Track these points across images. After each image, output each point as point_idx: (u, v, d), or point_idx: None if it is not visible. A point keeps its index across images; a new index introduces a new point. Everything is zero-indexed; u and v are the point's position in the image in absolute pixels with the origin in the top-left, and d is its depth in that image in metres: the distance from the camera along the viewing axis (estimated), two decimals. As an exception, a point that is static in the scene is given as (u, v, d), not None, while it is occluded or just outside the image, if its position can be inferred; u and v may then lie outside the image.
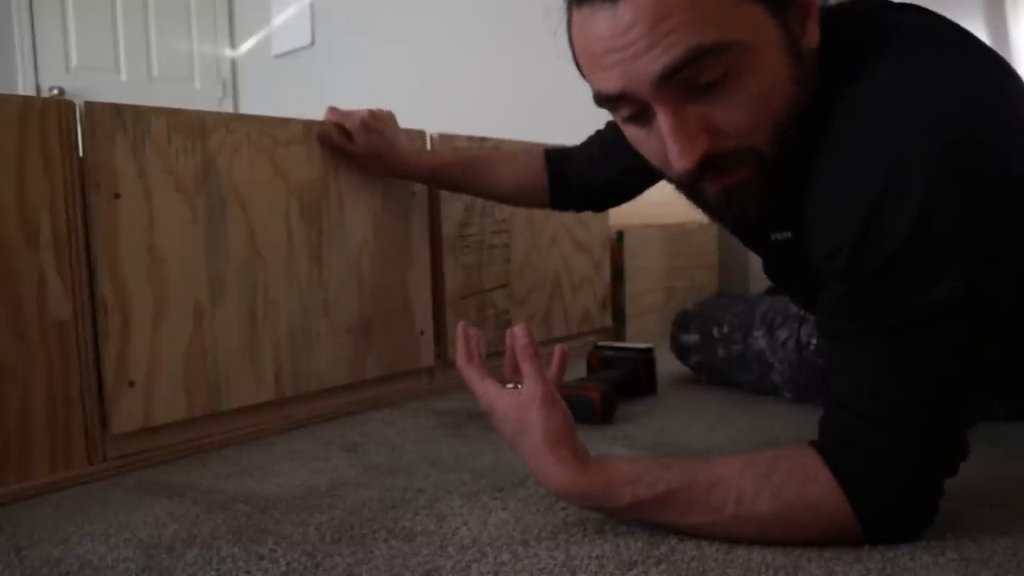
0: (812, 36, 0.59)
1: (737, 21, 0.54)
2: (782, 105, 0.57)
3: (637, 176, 0.98)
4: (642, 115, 0.59)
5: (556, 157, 1.06)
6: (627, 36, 0.54)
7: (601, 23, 0.55)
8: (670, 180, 0.66)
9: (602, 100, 0.60)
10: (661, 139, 0.58)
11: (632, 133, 0.63)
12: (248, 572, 0.59)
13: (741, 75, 0.55)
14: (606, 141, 1.00)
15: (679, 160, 0.57)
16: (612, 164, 0.99)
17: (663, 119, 0.56)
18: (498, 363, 1.34)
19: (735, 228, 0.81)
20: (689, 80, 0.55)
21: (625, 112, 0.60)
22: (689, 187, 0.63)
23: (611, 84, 0.57)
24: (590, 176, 1.03)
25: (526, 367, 0.66)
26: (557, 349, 0.73)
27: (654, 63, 0.54)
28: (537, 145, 1.37)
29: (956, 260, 0.52)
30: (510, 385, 0.69)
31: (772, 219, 0.71)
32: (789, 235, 0.70)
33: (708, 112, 0.56)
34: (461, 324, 0.73)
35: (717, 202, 0.62)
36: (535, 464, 0.64)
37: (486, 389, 0.68)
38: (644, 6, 0.53)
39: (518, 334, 0.68)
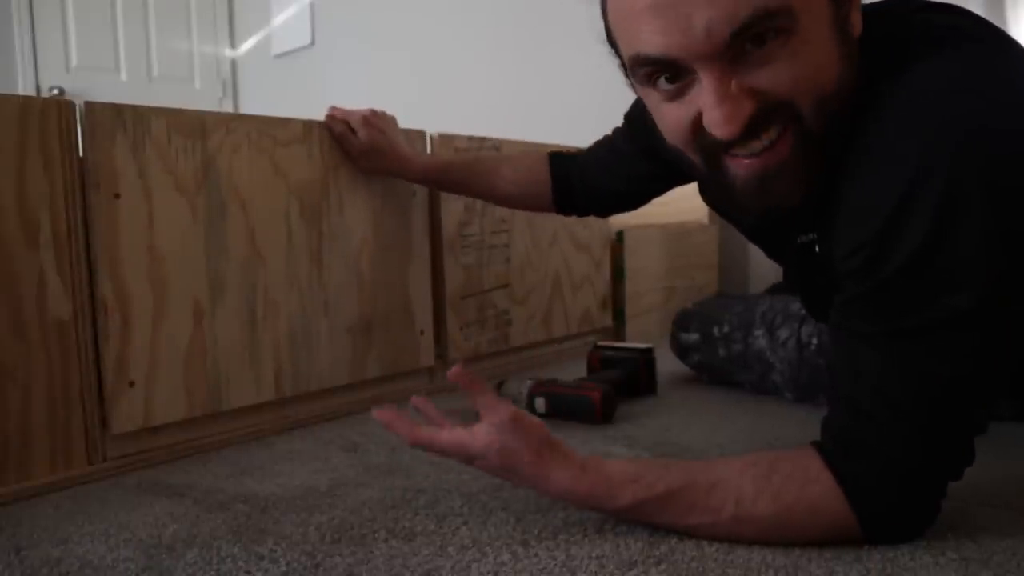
0: (857, 24, 0.58)
1: None
2: (827, 77, 0.55)
3: (645, 184, 0.98)
4: (678, 84, 0.56)
5: (561, 159, 1.05)
6: None
7: None
8: (690, 163, 0.62)
9: (640, 63, 0.56)
10: (693, 108, 0.56)
11: (661, 108, 0.60)
12: (248, 572, 0.59)
13: (790, 42, 0.53)
14: (616, 146, 0.99)
15: (726, 126, 0.54)
16: (621, 169, 0.98)
17: (708, 85, 0.54)
18: (499, 362, 1.35)
19: (759, 224, 0.80)
20: (743, 44, 0.52)
21: (660, 80, 0.57)
22: (714, 162, 0.59)
23: (656, 44, 0.54)
24: (596, 179, 1.01)
25: (480, 401, 0.64)
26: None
27: (713, 25, 0.51)
28: (538, 145, 1.38)
29: (977, 264, 0.51)
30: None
31: (799, 221, 0.70)
32: (814, 236, 0.69)
33: (752, 77, 0.54)
34: (376, 412, 0.68)
35: (749, 186, 0.58)
36: (535, 477, 0.63)
37: (451, 438, 0.64)
38: None
39: (456, 375, 0.65)
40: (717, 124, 0.54)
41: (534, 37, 2.17)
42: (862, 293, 0.56)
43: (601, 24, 0.61)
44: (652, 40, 0.54)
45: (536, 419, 0.65)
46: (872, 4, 0.62)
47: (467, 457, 0.64)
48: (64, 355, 0.79)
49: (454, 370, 0.65)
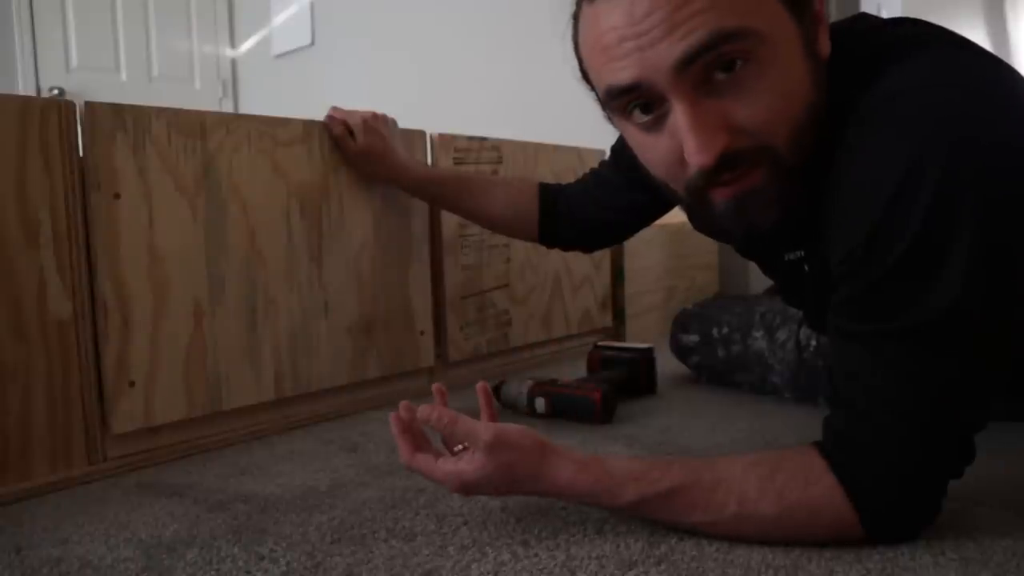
0: (824, 46, 0.59)
1: (759, 11, 0.53)
2: (800, 105, 0.57)
3: (631, 214, 0.99)
4: (653, 115, 0.57)
5: (550, 189, 1.05)
6: (645, 23, 0.53)
7: (616, 13, 0.54)
8: (674, 194, 0.63)
9: (613, 95, 0.57)
10: (673, 140, 0.57)
11: (639, 140, 0.61)
12: (248, 572, 0.59)
13: (760, 68, 0.54)
14: (603, 178, 1.00)
15: (698, 155, 0.54)
16: (608, 200, 0.98)
17: (681, 112, 0.54)
18: (499, 362, 1.35)
19: (747, 245, 0.80)
20: (709, 70, 0.54)
21: (635, 111, 0.58)
22: (698, 196, 0.60)
23: (625, 74, 0.55)
24: (583, 210, 1.01)
25: (458, 429, 0.63)
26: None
27: (674, 48, 0.52)
28: (538, 145, 1.38)
29: (968, 261, 0.51)
30: (458, 448, 0.67)
31: (784, 239, 0.70)
32: (801, 254, 0.69)
33: (726, 108, 0.55)
34: (392, 416, 0.68)
35: (727, 211, 0.59)
36: (535, 480, 0.63)
37: (445, 468, 0.64)
38: None
39: (424, 416, 0.65)
40: (691, 152, 0.55)
41: (534, 37, 2.16)
42: (854, 294, 0.56)
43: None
44: (621, 70, 0.55)
45: (520, 427, 0.64)
46: (830, 25, 0.62)
47: (463, 487, 0.64)
48: (64, 355, 0.79)
49: (421, 410, 0.65)
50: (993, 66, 0.56)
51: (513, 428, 0.63)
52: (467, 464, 0.63)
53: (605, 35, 0.55)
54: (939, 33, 0.60)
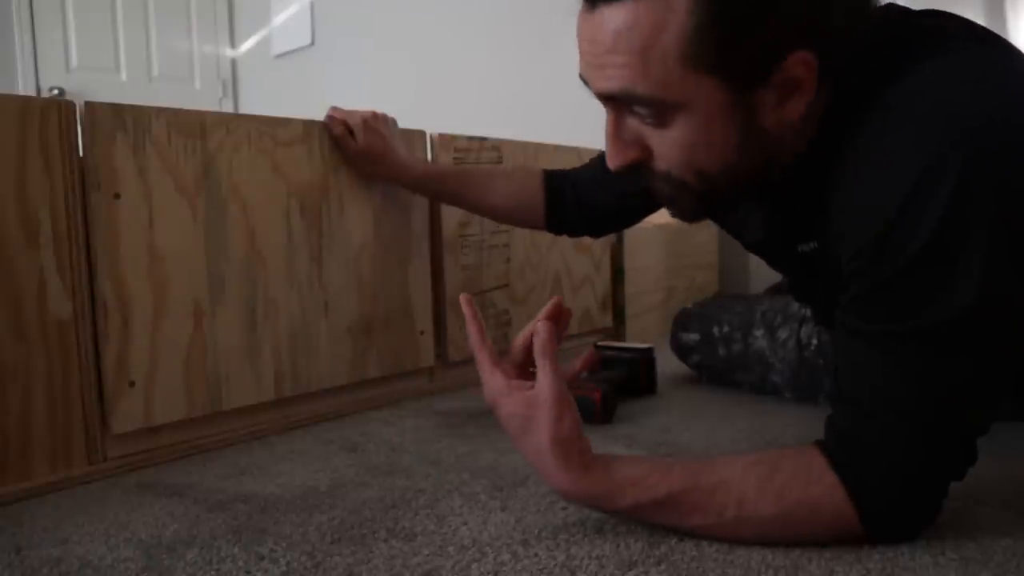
0: (792, 110, 0.58)
1: (679, 85, 0.56)
2: (715, 164, 0.61)
3: (638, 200, 0.98)
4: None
5: (555, 176, 1.05)
6: (590, 49, 0.60)
7: (580, 29, 0.61)
8: None
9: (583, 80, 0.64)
10: None
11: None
12: (248, 572, 0.59)
13: (672, 125, 0.59)
14: None
15: (609, 160, 0.63)
16: (616, 185, 0.98)
17: (607, 119, 0.63)
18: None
19: (759, 240, 0.81)
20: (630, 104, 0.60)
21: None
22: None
23: (581, 71, 0.63)
24: (590, 195, 1.01)
25: (541, 363, 0.62)
26: (590, 349, 0.73)
27: (594, 82, 0.61)
28: (538, 145, 1.38)
29: (982, 262, 0.51)
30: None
31: (797, 230, 0.70)
32: (815, 245, 0.69)
33: (645, 133, 0.61)
34: (464, 297, 0.69)
35: (661, 197, 0.67)
36: (538, 464, 0.63)
37: (495, 380, 0.64)
38: (606, 30, 0.57)
39: (540, 330, 0.64)
40: (607, 156, 0.64)
41: (534, 37, 2.17)
42: (866, 292, 0.56)
43: None
44: (581, 67, 0.63)
45: (576, 412, 0.62)
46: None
47: (493, 405, 0.64)
48: (64, 355, 0.79)
49: (543, 325, 0.65)
50: (1016, 63, 0.56)
51: (572, 409, 0.61)
52: (515, 392, 0.62)
53: (577, 34, 0.62)
54: (964, 27, 0.59)
